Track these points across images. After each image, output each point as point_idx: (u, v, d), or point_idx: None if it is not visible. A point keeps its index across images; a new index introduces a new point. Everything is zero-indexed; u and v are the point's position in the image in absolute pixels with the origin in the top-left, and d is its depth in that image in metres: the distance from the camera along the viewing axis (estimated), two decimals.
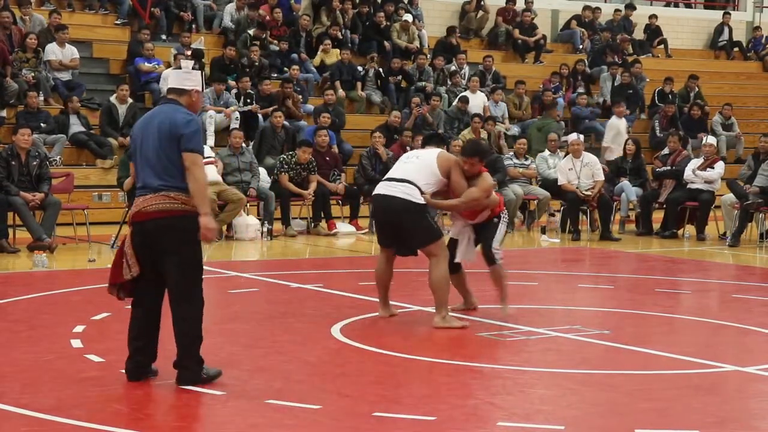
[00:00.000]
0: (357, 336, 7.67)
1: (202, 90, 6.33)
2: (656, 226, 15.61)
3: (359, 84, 19.42)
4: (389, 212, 8.07)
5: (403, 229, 8.08)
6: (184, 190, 5.96)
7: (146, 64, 17.72)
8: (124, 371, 6.18)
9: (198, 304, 6.08)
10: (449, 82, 20.07)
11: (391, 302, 8.54)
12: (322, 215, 14.99)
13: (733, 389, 6.63)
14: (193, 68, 6.34)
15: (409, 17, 21.28)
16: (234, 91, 17.46)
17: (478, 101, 19.16)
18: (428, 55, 20.62)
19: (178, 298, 6.04)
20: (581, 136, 15.91)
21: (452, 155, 8.54)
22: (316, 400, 5.86)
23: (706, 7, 28.72)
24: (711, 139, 16.26)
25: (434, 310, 8.20)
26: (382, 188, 8.17)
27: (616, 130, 18.51)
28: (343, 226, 15.07)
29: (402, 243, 8.23)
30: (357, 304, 9.14)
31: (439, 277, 8.05)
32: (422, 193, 7.99)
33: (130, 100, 16.39)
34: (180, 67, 6.34)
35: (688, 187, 15.29)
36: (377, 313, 8.46)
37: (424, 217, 8.05)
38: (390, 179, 8.16)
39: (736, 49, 26.46)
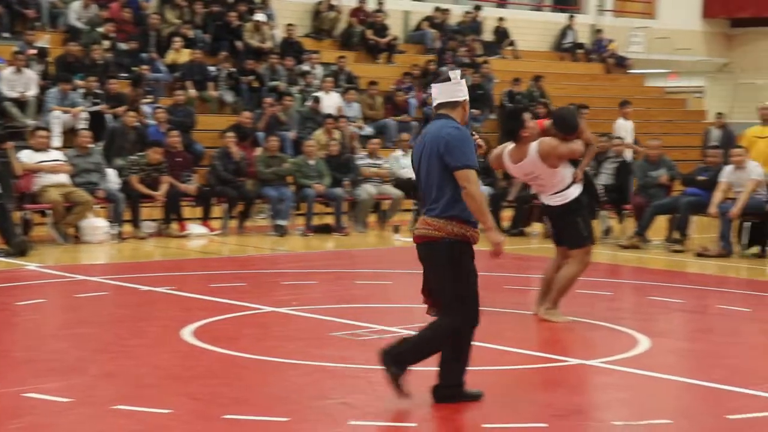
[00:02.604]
0: (208, 338, 7.58)
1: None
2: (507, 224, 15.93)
3: (212, 84, 19.20)
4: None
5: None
6: (445, 217, 5.84)
7: None
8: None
9: (451, 321, 6.07)
10: (302, 83, 20.04)
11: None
12: (173, 216, 14.76)
13: (576, 382, 6.81)
14: (461, 78, 5.97)
15: (261, 17, 21.14)
16: (81, 90, 17.02)
17: (331, 101, 19.20)
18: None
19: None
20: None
21: (550, 141, 8.67)
22: (166, 405, 5.77)
23: (553, 10, 29.48)
24: None
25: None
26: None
27: (625, 131, 18.74)
28: (194, 228, 14.87)
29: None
30: (208, 306, 9.03)
31: (563, 274, 8.69)
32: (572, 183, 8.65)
33: None
34: (449, 79, 5.94)
35: None
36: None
37: (576, 219, 8.64)
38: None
39: (580, 50, 27.23)
